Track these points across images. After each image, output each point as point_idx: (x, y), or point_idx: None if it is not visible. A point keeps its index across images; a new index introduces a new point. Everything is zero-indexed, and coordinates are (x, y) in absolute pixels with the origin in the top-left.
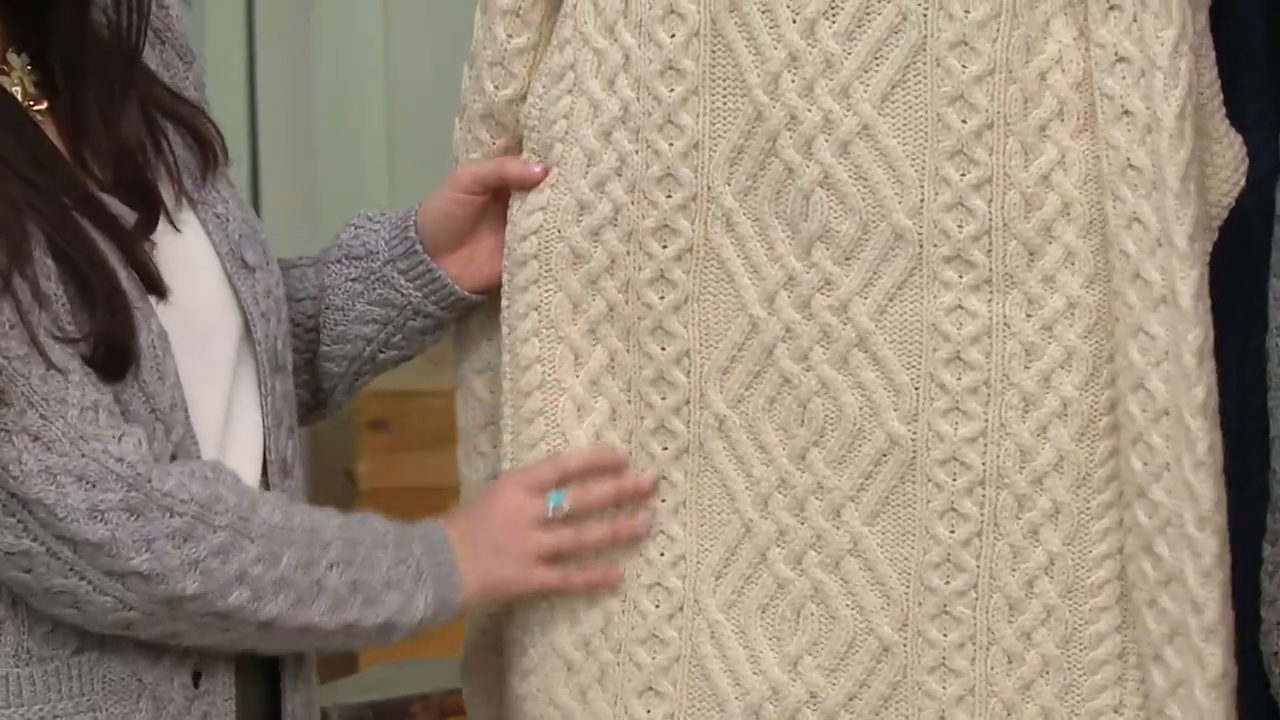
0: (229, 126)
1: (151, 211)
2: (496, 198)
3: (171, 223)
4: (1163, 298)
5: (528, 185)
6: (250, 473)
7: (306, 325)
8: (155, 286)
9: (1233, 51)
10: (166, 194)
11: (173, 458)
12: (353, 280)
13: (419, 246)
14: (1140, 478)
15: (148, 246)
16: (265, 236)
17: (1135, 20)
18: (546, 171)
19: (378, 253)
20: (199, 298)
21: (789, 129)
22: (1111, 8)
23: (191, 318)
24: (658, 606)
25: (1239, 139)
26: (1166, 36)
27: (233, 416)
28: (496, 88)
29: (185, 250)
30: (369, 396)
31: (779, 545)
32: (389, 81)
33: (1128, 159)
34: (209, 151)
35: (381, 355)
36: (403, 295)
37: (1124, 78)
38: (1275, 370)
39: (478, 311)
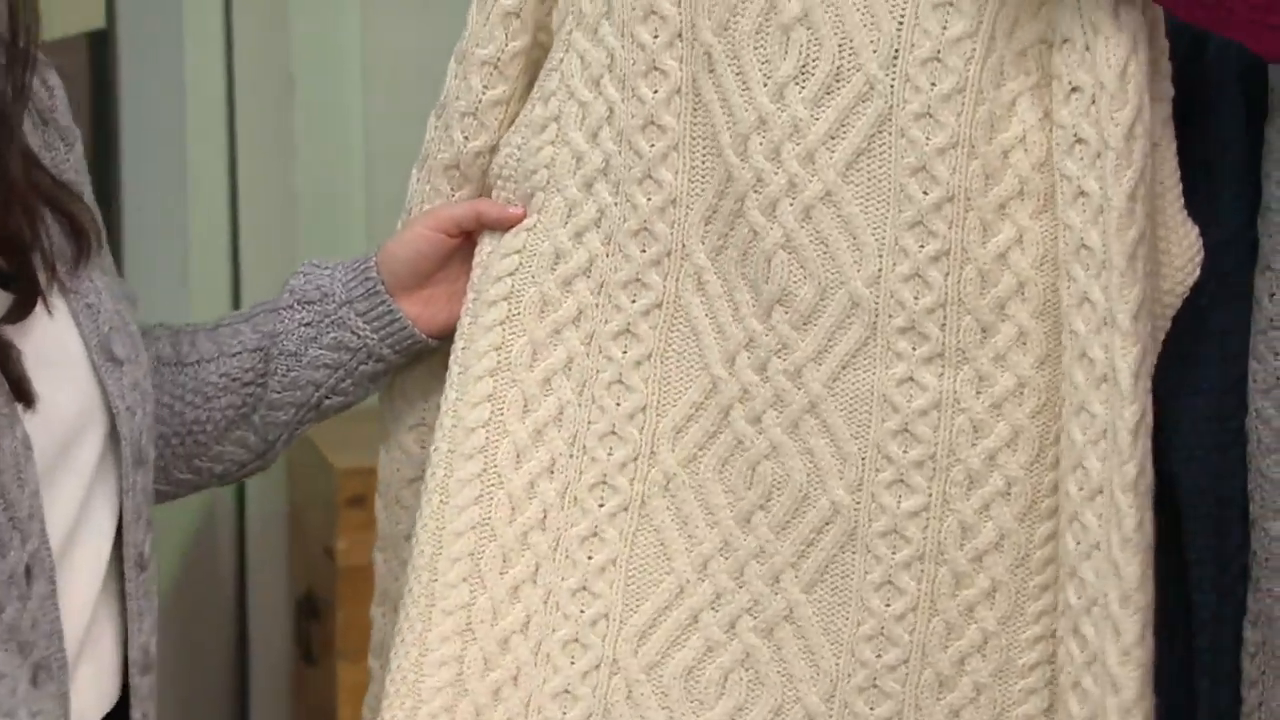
0: (210, 178)
1: (28, 300)
2: (464, 240)
3: (48, 309)
4: (1104, 375)
5: (506, 226)
6: (97, 569)
7: (244, 380)
8: (24, 395)
9: (1208, 146)
10: (40, 281)
11: (27, 570)
12: (306, 325)
13: (380, 287)
14: (1072, 557)
15: (14, 352)
16: (134, 326)
17: (1094, 102)
18: (525, 213)
19: (333, 295)
20: (64, 394)
21: (755, 191)
22: (1073, 90)
23: (55, 419)
24: (573, 663)
25: (1195, 230)
26: (1121, 118)
27: (87, 513)
28: (466, 138)
29: (54, 342)
30: (348, 473)
31: (713, 609)
32: (368, 136)
33: (1081, 239)
34: (84, 239)
35: (328, 401)
36: (359, 337)
37: (1081, 159)
38: (1254, 453)
39: (416, 368)
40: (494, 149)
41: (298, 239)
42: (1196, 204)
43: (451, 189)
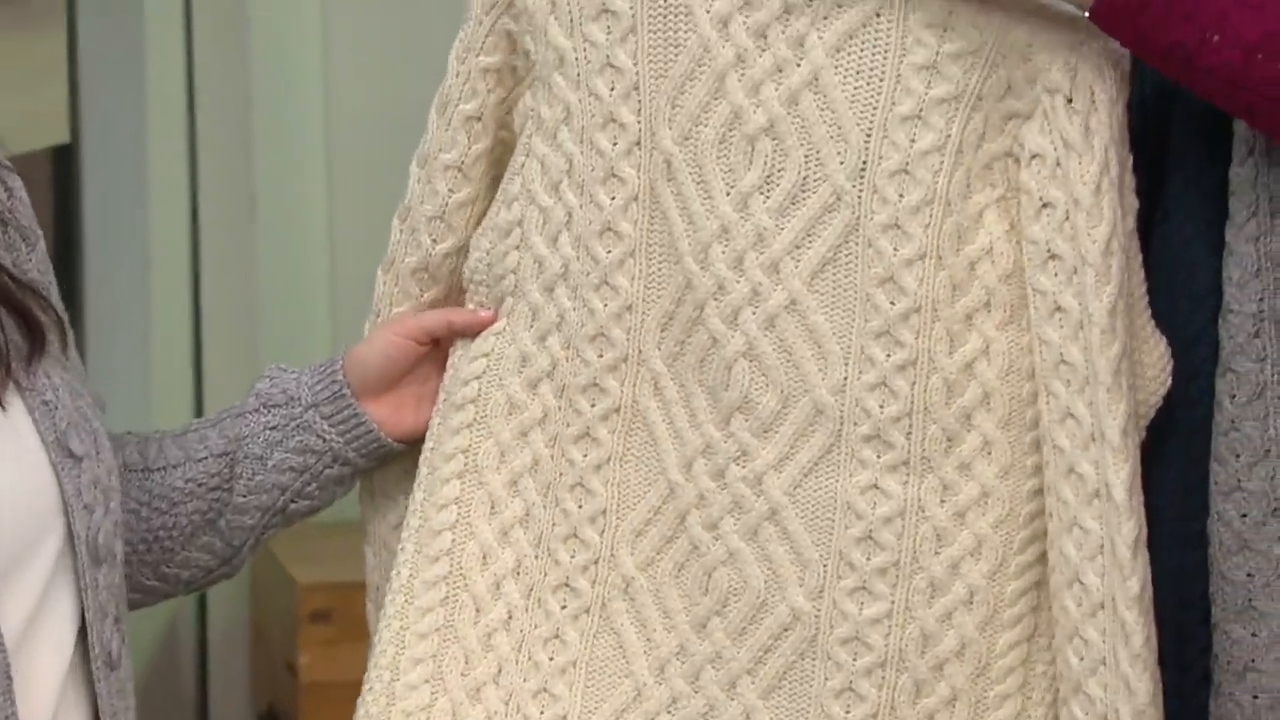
0: (174, 290)
1: None
2: (432, 347)
3: (2, 406)
4: (1096, 492)
5: (476, 332)
6: (58, 667)
7: (210, 484)
8: None
9: (1170, 249)
10: None
11: None
12: (271, 428)
13: (346, 390)
14: (1076, 673)
15: None
16: (97, 425)
17: (1067, 218)
18: (495, 317)
19: (299, 399)
20: (20, 491)
21: (716, 299)
22: (1044, 205)
23: (10, 515)
24: None
25: (1164, 340)
26: (1098, 234)
27: (46, 610)
28: (435, 241)
29: (9, 438)
30: (311, 588)
31: (669, 713)
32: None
33: (1061, 355)
34: (40, 336)
35: (293, 506)
36: (324, 441)
37: (1056, 274)
38: (1216, 555)
39: (392, 467)
40: (462, 250)
41: (260, 347)
42: (1159, 306)
43: (421, 290)
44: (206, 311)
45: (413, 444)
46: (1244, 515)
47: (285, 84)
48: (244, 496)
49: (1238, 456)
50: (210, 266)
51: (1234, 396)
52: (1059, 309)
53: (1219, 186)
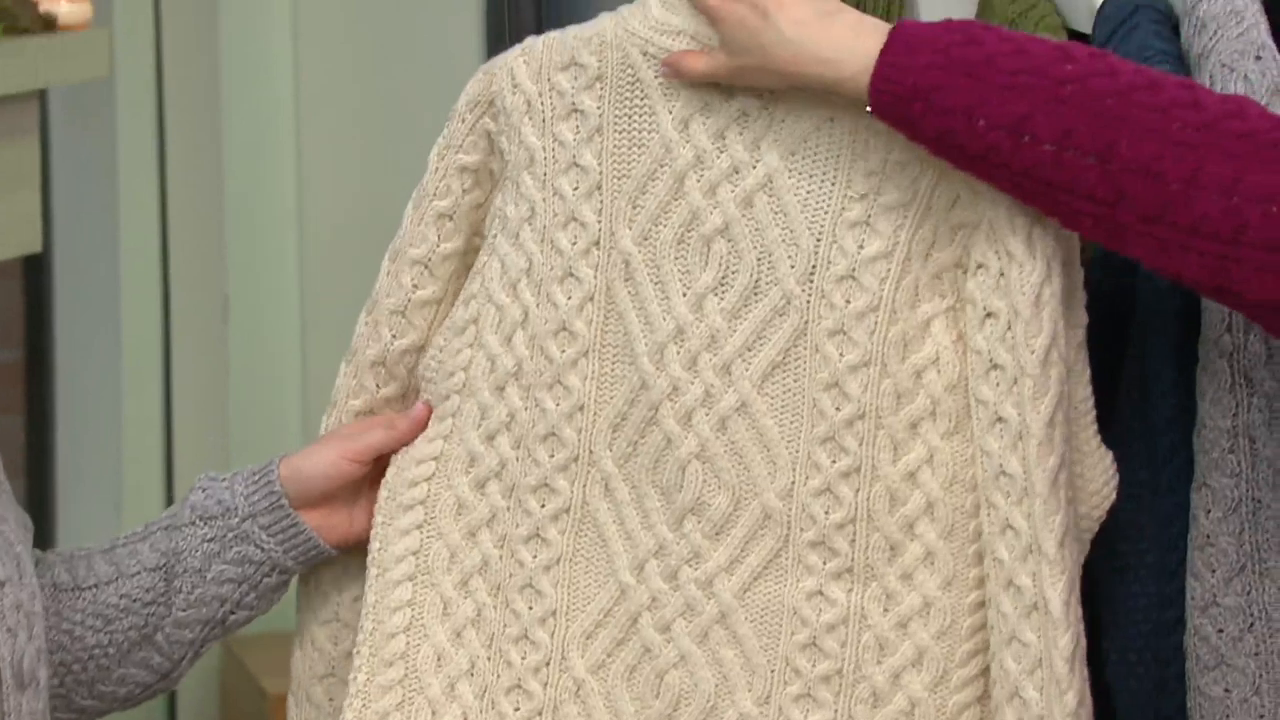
0: (145, 402)
1: None
2: (374, 464)
3: None
4: (1034, 604)
5: (415, 434)
6: None
7: (145, 599)
8: None
9: (1143, 363)
10: None
11: None
12: (209, 540)
13: (283, 501)
14: None
15: None
16: (20, 548)
17: (1009, 328)
18: (429, 410)
19: (235, 509)
20: None
21: (671, 400)
22: (988, 315)
23: None
24: None
25: (1109, 455)
26: (1037, 345)
27: None
28: (394, 336)
29: None
30: (282, 699)
31: None
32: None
33: (1000, 466)
34: None
35: (233, 616)
36: (263, 551)
37: (997, 384)
38: (1192, 670)
39: (330, 564)
40: (422, 349)
41: (232, 451)
42: (1132, 420)
43: (377, 385)
44: (178, 417)
45: (352, 548)
46: (1220, 630)
47: (258, 188)
48: (184, 610)
49: (1214, 571)
50: (182, 371)
51: (1209, 511)
52: (999, 419)
53: (1190, 300)
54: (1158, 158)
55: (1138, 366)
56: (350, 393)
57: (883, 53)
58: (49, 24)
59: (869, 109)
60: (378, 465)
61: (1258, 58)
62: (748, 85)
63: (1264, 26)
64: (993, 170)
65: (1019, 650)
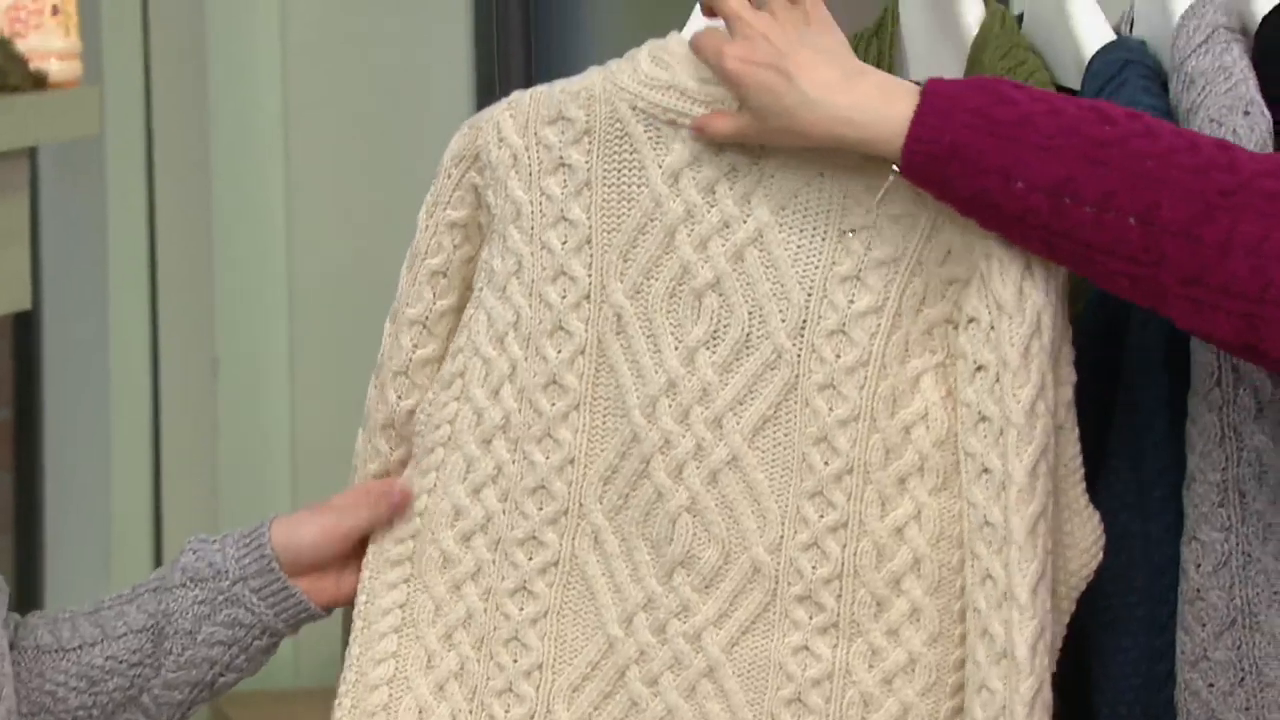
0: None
1: None
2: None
3: None
4: (1003, 652)
5: (398, 514)
6: None
7: (132, 661)
8: None
9: (1134, 419)
10: None
11: None
12: (200, 603)
13: (274, 564)
14: None
15: None
16: None
17: (997, 380)
18: (407, 496)
19: (225, 572)
20: None
21: (662, 453)
22: (978, 368)
23: None
24: None
25: (1097, 514)
26: (1023, 395)
27: None
28: (399, 398)
29: None
30: None
31: None
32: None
33: (984, 516)
34: None
35: (221, 679)
36: (253, 614)
37: (985, 436)
38: (1181, 712)
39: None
40: None
41: (221, 511)
42: (1123, 473)
43: (390, 448)
44: (167, 476)
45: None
46: (1211, 685)
47: (247, 246)
48: (174, 672)
49: (1204, 625)
50: (171, 430)
51: (1199, 565)
52: (985, 470)
53: (1180, 354)
54: (1196, 220)
55: (1128, 420)
56: (367, 457)
57: (917, 114)
58: (39, 81)
59: (896, 169)
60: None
61: (1246, 113)
62: (775, 145)
63: (1252, 82)
64: (1028, 231)
65: (986, 698)
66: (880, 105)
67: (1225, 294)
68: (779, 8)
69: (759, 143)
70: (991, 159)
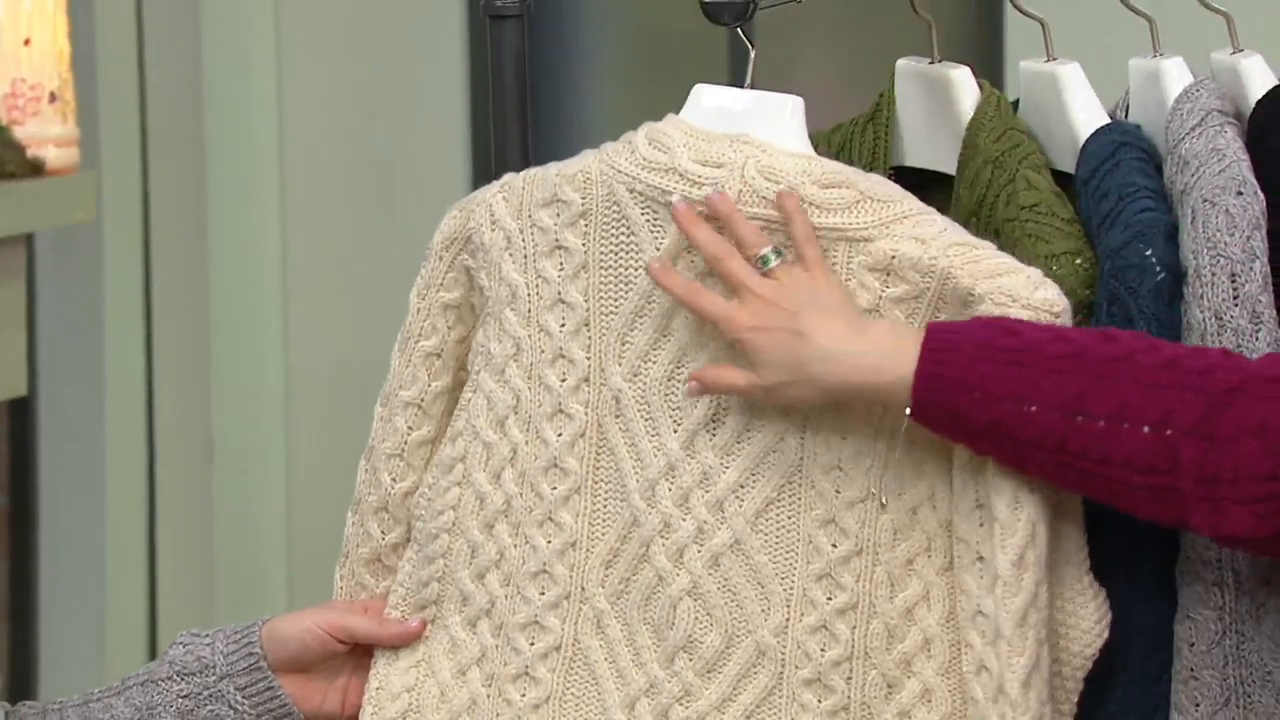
0: (129, 545)
1: None
2: (353, 647)
3: None
4: None
5: (402, 644)
6: None
7: None
8: None
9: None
10: None
11: None
12: (184, 697)
13: (262, 663)
14: None
15: None
16: None
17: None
18: (424, 626)
19: (213, 667)
20: None
21: (662, 536)
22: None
23: None
24: None
25: (1103, 592)
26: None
27: None
28: (394, 480)
29: None
30: None
31: None
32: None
33: (978, 605)
34: None
35: None
36: (235, 712)
37: (980, 525)
38: None
39: None
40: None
41: (216, 597)
42: (1115, 552)
43: (383, 531)
44: (162, 562)
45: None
46: None
47: (244, 333)
48: None
49: (1198, 705)
50: (166, 516)
51: (1193, 644)
52: (980, 558)
53: None
54: (1208, 419)
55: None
56: (358, 541)
57: (923, 350)
58: (36, 168)
59: (908, 412)
60: (363, 652)
61: (1239, 193)
62: (779, 402)
63: (1245, 164)
64: (1045, 457)
65: None
66: (889, 348)
67: (1240, 482)
68: (782, 273)
69: (764, 402)
70: (1002, 386)
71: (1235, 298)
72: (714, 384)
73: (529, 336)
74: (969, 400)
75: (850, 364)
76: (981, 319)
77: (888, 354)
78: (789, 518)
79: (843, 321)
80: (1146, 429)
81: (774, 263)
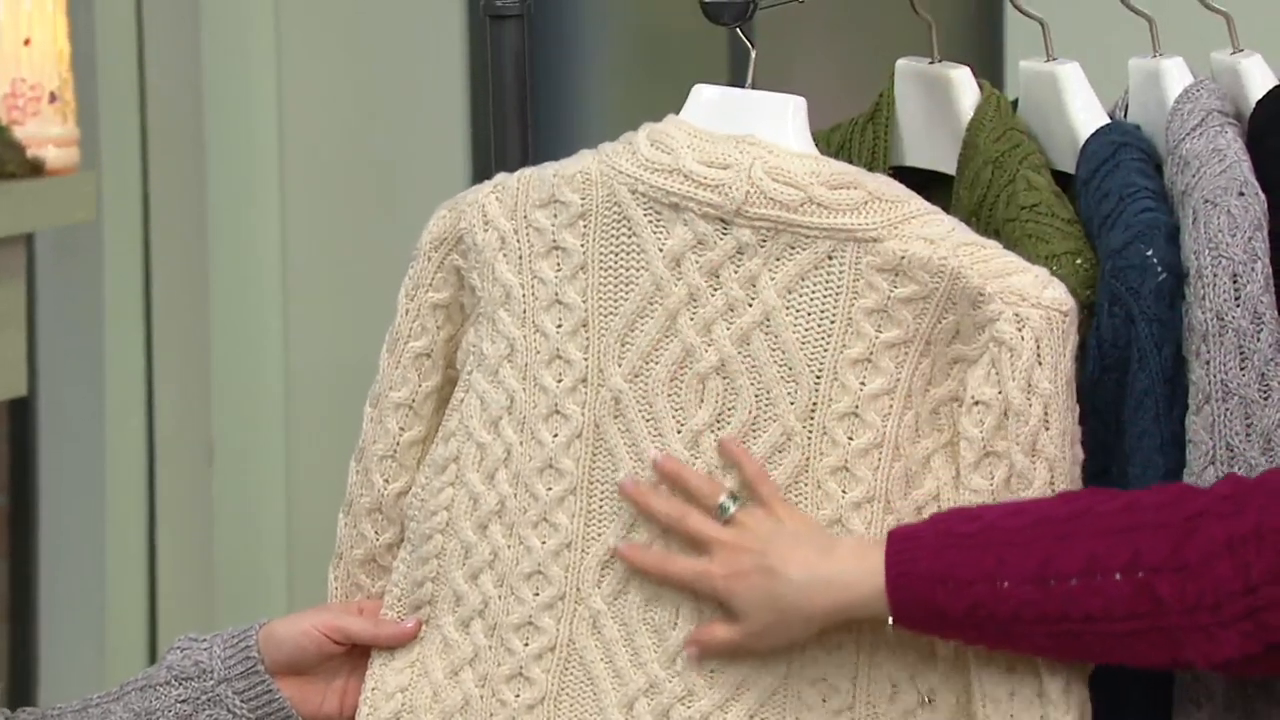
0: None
1: None
2: (350, 648)
3: None
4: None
5: (399, 644)
6: None
7: None
8: None
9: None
10: None
11: None
12: (182, 702)
13: (260, 666)
14: None
15: None
16: None
17: (1008, 478)
18: (419, 626)
19: (211, 671)
20: None
21: (664, 538)
22: (986, 454)
23: None
24: None
25: None
26: (1029, 496)
27: None
28: (387, 481)
29: None
30: None
31: None
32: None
33: None
34: None
35: None
36: (234, 715)
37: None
38: None
39: None
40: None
41: (216, 599)
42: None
43: (376, 532)
44: (162, 562)
45: None
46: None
47: (244, 332)
48: None
49: (1200, 707)
50: (166, 516)
51: None
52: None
53: (1176, 434)
54: (1177, 549)
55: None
56: (351, 542)
57: (888, 555)
58: (36, 168)
59: (891, 621)
60: (361, 654)
61: (1240, 194)
62: (769, 646)
63: (1246, 164)
64: (1028, 629)
65: None
66: (856, 563)
67: (1221, 604)
68: (744, 516)
69: (754, 646)
70: (971, 570)
71: (1237, 298)
72: (708, 643)
73: (524, 337)
74: (944, 592)
75: (824, 589)
76: (937, 514)
77: (857, 568)
78: None
79: (809, 548)
80: (1118, 575)
81: (732, 509)
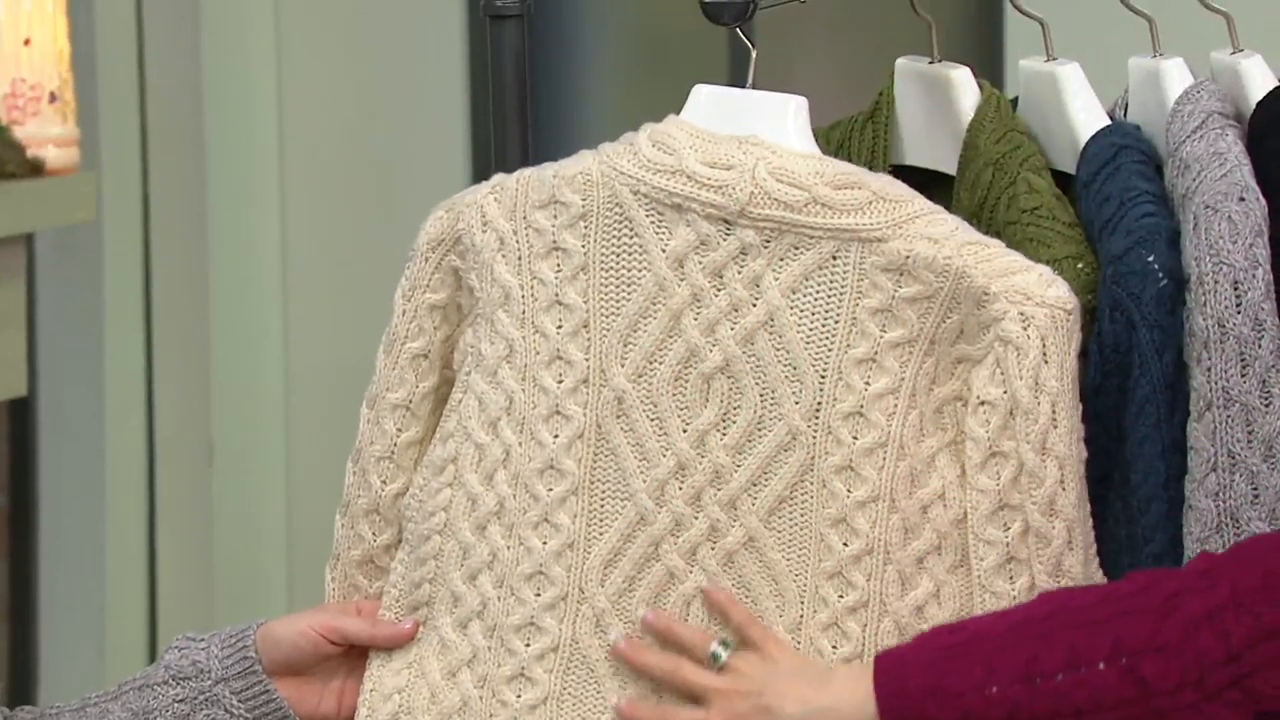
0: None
1: None
2: (348, 649)
3: None
4: None
5: (397, 644)
6: None
7: None
8: None
9: (1133, 513)
10: None
11: None
12: (179, 701)
13: (257, 666)
14: None
15: None
16: None
17: (1016, 476)
18: (417, 627)
19: (208, 671)
20: None
21: (673, 535)
22: (993, 454)
23: None
24: None
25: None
26: (1039, 495)
27: None
28: (384, 482)
29: None
30: None
31: None
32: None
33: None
34: None
35: None
36: (231, 715)
37: (1006, 526)
38: None
39: None
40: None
41: (216, 600)
42: (1118, 560)
43: (374, 533)
44: (162, 562)
45: None
46: None
47: (244, 332)
48: None
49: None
50: (166, 516)
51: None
52: (1012, 559)
53: (1177, 440)
54: (1158, 630)
55: (1122, 507)
56: (349, 543)
57: (875, 677)
58: (36, 168)
59: None
60: (359, 654)
61: (1241, 199)
62: None
63: (1247, 169)
64: None
65: None
66: (850, 691)
67: (1205, 679)
68: (737, 661)
69: None
70: (960, 680)
71: (1238, 305)
72: None
73: (523, 338)
74: (935, 704)
75: (818, 718)
76: (921, 635)
77: (851, 697)
78: (801, 516)
79: (804, 683)
80: (1102, 665)
81: (725, 657)
